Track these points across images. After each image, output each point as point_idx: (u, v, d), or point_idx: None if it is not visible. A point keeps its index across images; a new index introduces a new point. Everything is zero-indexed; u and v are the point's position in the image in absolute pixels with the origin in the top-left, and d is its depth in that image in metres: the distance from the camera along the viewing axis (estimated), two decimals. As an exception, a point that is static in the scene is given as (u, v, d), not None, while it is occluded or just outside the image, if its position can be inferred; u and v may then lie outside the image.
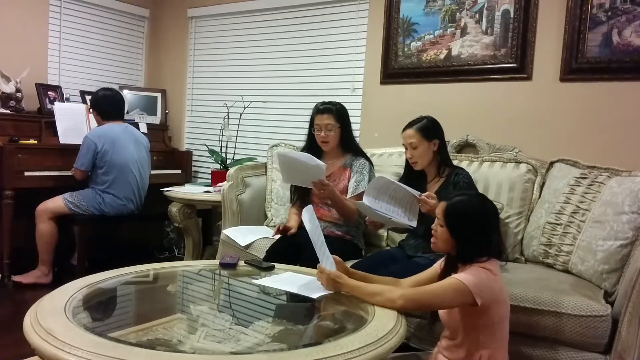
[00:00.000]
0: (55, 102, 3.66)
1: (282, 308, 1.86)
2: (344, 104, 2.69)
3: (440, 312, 1.68)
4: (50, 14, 3.93)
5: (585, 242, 2.18)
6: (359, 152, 2.66)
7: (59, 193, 3.27)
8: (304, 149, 2.68)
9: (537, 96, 2.81)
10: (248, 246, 2.67)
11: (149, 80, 4.61)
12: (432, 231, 1.67)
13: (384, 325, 1.45)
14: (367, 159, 2.65)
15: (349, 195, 2.52)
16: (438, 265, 1.76)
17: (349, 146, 2.66)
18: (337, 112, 2.58)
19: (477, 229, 1.58)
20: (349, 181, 2.57)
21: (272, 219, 3.06)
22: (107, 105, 3.38)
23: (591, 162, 2.40)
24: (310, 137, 2.65)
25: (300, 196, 2.67)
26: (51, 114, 3.58)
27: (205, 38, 4.34)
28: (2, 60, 3.59)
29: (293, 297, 1.81)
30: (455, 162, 2.48)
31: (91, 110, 3.45)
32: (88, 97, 3.84)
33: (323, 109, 2.58)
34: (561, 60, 2.71)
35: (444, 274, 1.66)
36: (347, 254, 2.32)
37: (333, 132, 2.56)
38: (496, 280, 1.57)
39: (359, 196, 2.49)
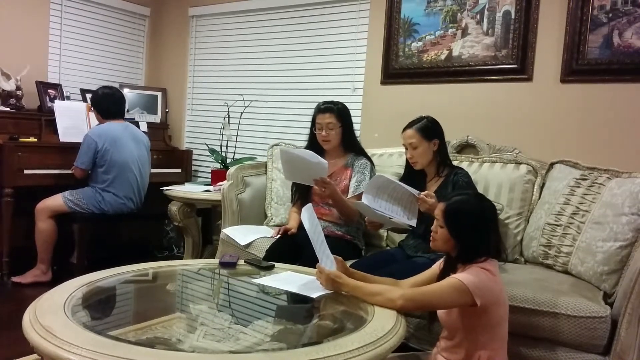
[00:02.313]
0: (55, 100, 3.66)
1: (282, 307, 1.86)
2: (344, 104, 2.69)
3: (439, 312, 1.68)
4: (51, 12, 3.93)
5: (584, 243, 2.18)
6: (360, 152, 2.67)
7: (58, 191, 3.27)
8: (305, 149, 2.68)
9: (537, 97, 2.81)
10: (248, 245, 2.67)
11: (150, 79, 4.61)
12: (432, 232, 1.67)
13: (383, 326, 1.45)
14: (369, 159, 2.65)
15: (349, 195, 2.52)
16: (437, 265, 1.76)
17: (350, 146, 2.66)
18: (339, 111, 2.58)
19: (476, 229, 1.58)
20: (350, 181, 2.57)
21: (272, 219, 3.06)
22: (107, 103, 3.37)
23: (591, 163, 2.40)
24: (312, 136, 2.66)
25: (301, 195, 2.67)
26: (51, 112, 3.57)
27: (206, 37, 4.33)
28: (3, 58, 3.58)
29: (292, 297, 1.81)
30: (455, 163, 2.49)
31: (92, 109, 3.45)
32: (88, 96, 3.84)
33: (324, 108, 2.59)
34: (562, 62, 2.71)
35: (443, 274, 1.67)
36: (347, 254, 2.32)
37: (334, 131, 2.57)
38: (496, 281, 1.57)
39: (360, 196, 2.49)
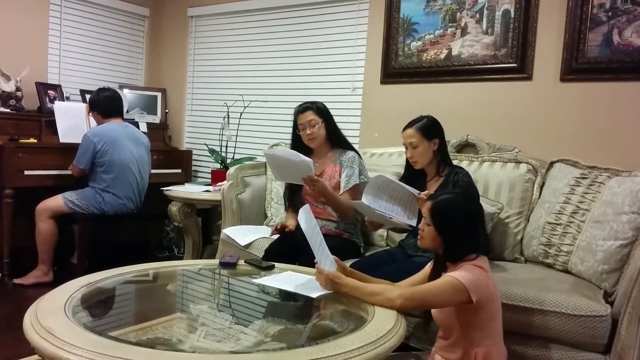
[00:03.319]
0: (55, 101, 3.66)
1: (282, 307, 1.86)
2: (344, 103, 2.70)
3: (434, 312, 1.69)
4: (51, 13, 3.93)
5: (585, 242, 2.18)
6: (347, 147, 2.68)
7: (59, 192, 3.27)
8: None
9: (537, 96, 2.81)
10: (248, 245, 2.68)
11: (149, 80, 4.61)
12: (419, 230, 1.69)
13: (383, 325, 1.45)
14: (356, 152, 2.66)
15: (341, 191, 2.53)
16: (428, 266, 1.78)
17: (336, 142, 2.67)
18: (318, 108, 2.61)
19: (461, 226, 1.61)
20: (340, 176, 2.57)
21: (272, 219, 3.06)
22: (107, 104, 3.37)
23: (591, 162, 2.40)
24: (296, 139, 2.67)
25: (294, 197, 2.68)
26: (51, 113, 3.58)
27: (205, 37, 4.33)
28: (3, 59, 3.59)
29: (292, 297, 1.81)
30: (455, 162, 2.48)
31: (90, 112, 3.45)
32: (88, 96, 3.84)
33: (303, 108, 2.61)
34: (561, 61, 2.71)
35: (434, 273, 1.69)
36: (345, 251, 2.33)
37: (317, 127, 2.58)
38: (489, 277, 1.59)
39: (352, 190, 2.50)
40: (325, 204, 2.55)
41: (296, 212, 2.56)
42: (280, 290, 1.85)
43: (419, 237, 1.70)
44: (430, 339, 1.95)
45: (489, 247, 1.72)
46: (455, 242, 1.61)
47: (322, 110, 2.61)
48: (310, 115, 2.58)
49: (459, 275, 1.54)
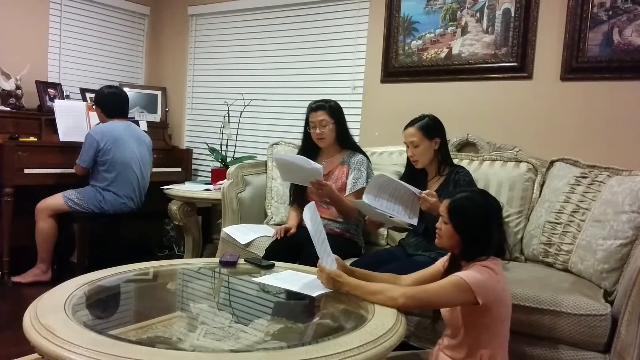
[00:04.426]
0: (55, 100, 3.66)
1: (282, 306, 1.86)
2: (344, 102, 2.69)
3: (443, 310, 1.67)
4: (51, 11, 3.93)
5: (585, 241, 2.18)
6: (356, 149, 2.67)
7: (59, 191, 3.27)
8: (300, 149, 2.70)
9: (537, 95, 2.81)
10: (248, 244, 2.68)
11: (149, 78, 4.61)
12: (437, 229, 1.66)
13: (383, 324, 1.45)
14: (365, 155, 2.65)
15: (347, 192, 2.53)
16: (441, 263, 1.76)
17: (346, 143, 2.67)
18: (331, 108, 2.59)
19: (480, 224, 1.58)
20: (347, 178, 2.57)
21: (272, 217, 3.06)
22: (112, 103, 3.37)
23: (591, 161, 2.40)
24: (306, 136, 2.66)
25: (299, 195, 2.68)
26: (51, 111, 3.57)
27: (205, 36, 4.33)
28: (2, 57, 3.58)
29: (293, 296, 1.81)
30: (455, 161, 2.48)
31: (94, 106, 3.45)
32: (88, 95, 3.85)
33: (316, 106, 2.60)
34: (562, 60, 2.71)
35: (448, 272, 1.65)
36: (346, 251, 2.33)
37: (327, 128, 2.57)
38: (498, 280, 1.56)
39: (358, 193, 2.50)
40: (329, 204, 2.55)
41: (300, 208, 2.57)
42: (281, 289, 1.85)
43: (437, 236, 1.66)
44: (431, 337, 1.95)
45: (506, 247, 1.68)
46: (473, 240, 1.58)
47: (334, 111, 2.60)
48: (322, 115, 2.57)
49: (465, 274, 1.52)
